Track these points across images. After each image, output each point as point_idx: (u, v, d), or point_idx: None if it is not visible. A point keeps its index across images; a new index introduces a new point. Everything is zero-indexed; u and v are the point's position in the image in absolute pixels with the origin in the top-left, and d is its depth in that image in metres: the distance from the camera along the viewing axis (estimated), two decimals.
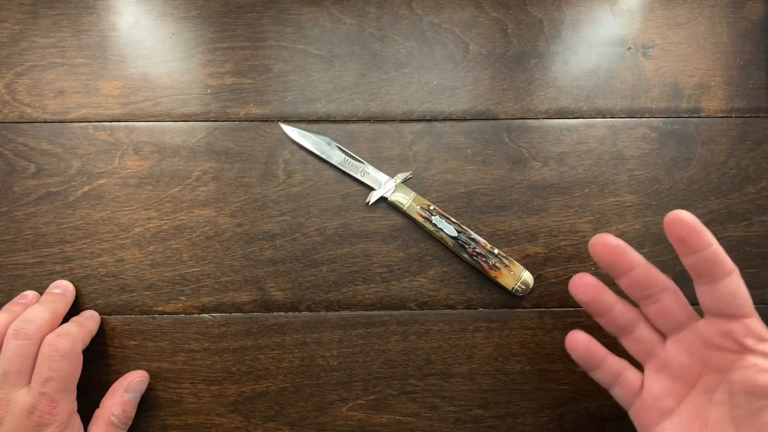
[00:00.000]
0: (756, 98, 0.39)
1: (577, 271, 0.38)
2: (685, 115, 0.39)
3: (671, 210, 0.38)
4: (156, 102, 0.39)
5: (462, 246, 0.36)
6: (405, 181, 0.38)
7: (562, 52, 0.40)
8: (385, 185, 0.37)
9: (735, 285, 0.28)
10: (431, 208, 0.37)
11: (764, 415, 0.27)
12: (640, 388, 0.32)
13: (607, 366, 0.33)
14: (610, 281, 0.32)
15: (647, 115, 0.39)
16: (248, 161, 0.38)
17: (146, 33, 0.39)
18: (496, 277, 0.36)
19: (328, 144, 0.37)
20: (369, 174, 0.38)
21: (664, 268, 0.38)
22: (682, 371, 0.30)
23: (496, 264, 0.36)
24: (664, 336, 0.32)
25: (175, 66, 0.39)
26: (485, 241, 0.37)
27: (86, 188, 0.38)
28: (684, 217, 0.28)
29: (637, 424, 0.31)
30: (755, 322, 0.29)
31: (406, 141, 0.39)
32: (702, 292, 0.30)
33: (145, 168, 0.38)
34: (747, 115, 0.39)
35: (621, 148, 0.39)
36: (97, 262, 0.38)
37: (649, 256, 0.38)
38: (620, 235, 0.38)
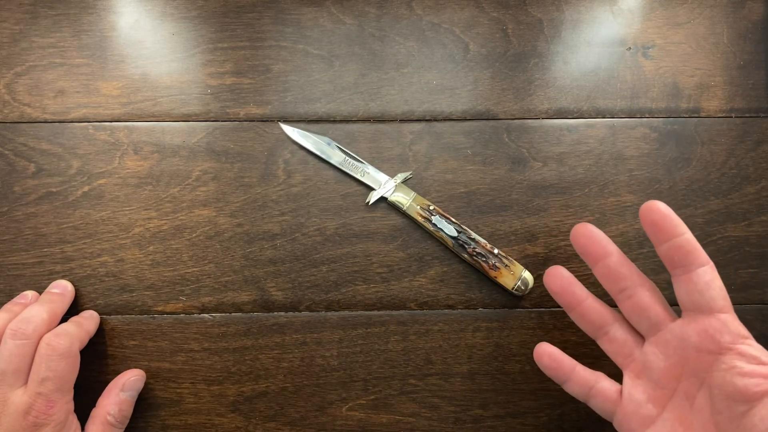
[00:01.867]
0: (756, 98, 0.39)
1: (577, 272, 0.38)
2: (685, 115, 0.39)
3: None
4: (156, 102, 0.39)
5: (462, 246, 0.36)
6: (405, 181, 0.38)
7: (562, 52, 0.40)
8: (385, 185, 0.37)
9: (710, 276, 0.29)
10: (431, 208, 0.37)
11: (747, 420, 0.26)
12: (619, 397, 0.31)
13: (578, 377, 0.32)
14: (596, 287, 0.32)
15: (647, 115, 0.39)
16: (248, 161, 0.38)
17: (146, 33, 0.39)
18: (496, 277, 0.36)
19: (328, 144, 0.37)
20: (369, 174, 0.37)
21: (661, 267, 0.38)
22: (662, 375, 0.30)
23: (496, 264, 0.36)
24: (642, 338, 0.32)
25: (175, 66, 0.39)
26: (485, 241, 0.37)
27: (86, 188, 0.38)
28: (658, 205, 0.29)
29: None
30: (731, 318, 0.28)
31: (406, 141, 0.39)
32: (678, 285, 0.30)
33: (145, 168, 0.38)
34: (747, 115, 0.39)
35: (621, 148, 0.39)
36: (97, 262, 0.38)
37: (649, 256, 0.38)
38: (620, 235, 0.38)
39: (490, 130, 0.39)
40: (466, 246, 0.36)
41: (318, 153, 0.38)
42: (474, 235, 0.37)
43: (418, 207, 0.37)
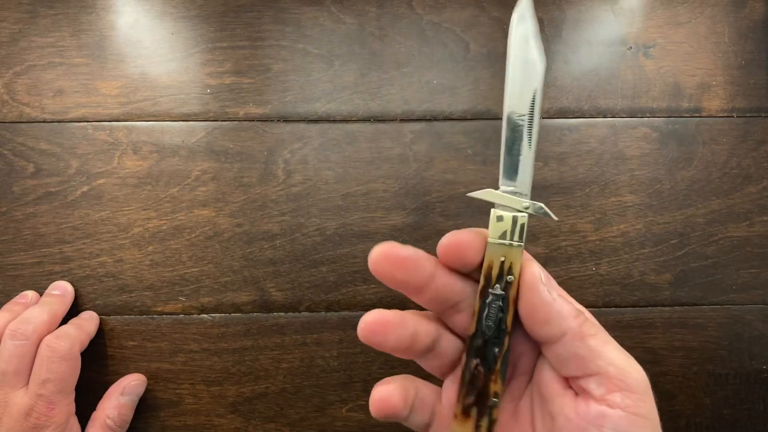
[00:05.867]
0: (757, 98, 0.39)
1: (578, 272, 0.38)
2: (687, 115, 0.39)
3: (672, 210, 0.39)
4: (155, 102, 0.38)
5: (481, 348, 0.23)
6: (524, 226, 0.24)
7: (563, 52, 0.39)
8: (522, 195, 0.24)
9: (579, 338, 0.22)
10: (509, 279, 0.23)
11: (556, 421, 0.22)
12: (438, 401, 0.25)
13: (418, 402, 0.24)
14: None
15: (648, 115, 0.39)
16: (248, 161, 0.38)
17: (145, 32, 0.39)
18: (455, 416, 0.24)
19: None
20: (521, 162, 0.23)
21: (664, 268, 0.38)
22: None
23: (469, 404, 0.24)
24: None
25: (174, 65, 0.39)
26: (499, 384, 0.24)
27: (85, 188, 0.38)
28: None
29: None
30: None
31: (406, 141, 0.39)
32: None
33: (145, 168, 0.38)
34: (748, 114, 0.39)
35: (622, 148, 0.39)
36: (96, 262, 0.37)
37: (650, 256, 0.38)
38: (621, 235, 0.38)
39: (490, 130, 0.39)
40: (487, 350, 0.23)
41: None
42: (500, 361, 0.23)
43: (502, 258, 0.23)
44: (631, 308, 0.38)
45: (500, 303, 0.23)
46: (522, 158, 0.23)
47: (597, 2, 0.40)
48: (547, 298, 0.22)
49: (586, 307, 0.38)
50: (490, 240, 0.22)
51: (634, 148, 0.39)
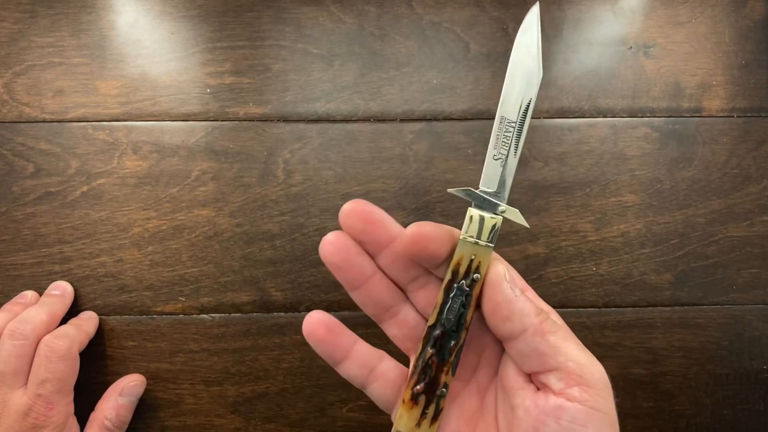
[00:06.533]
0: (758, 98, 0.39)
1: (579, 272, 0.38)
2: (687, 115, 0.39)
3: (673, 210, 0.39)
4: (155, 101, 0.38)
5: (439, 338, 0.24)
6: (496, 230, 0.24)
7: (563, 52, 0.39)
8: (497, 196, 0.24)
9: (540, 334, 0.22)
10: (476, 276, 0.23)
11: (515, 412, 0.23)
12: (404, 382, 0.25)
13: (358, 355, 0.25)
14: None
15: (648, 115, 0.39)
16: (247, 161, 0.38)
17: (145, 32, 0.39)
18: (403, 400, 0.25)
19: None
20: (504, 166, 0.24)
21: (664, 268, 0.38)
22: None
23: (419, 391, 0.24)
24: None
25: (174, 65, 0.39)
26: (449, 375, 0.24)
27: (85, 188, 0.38)
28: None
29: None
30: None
31: (406, 140, 0.39)
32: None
33: (144, 168, 0.38)
34: (749, 114, 0.39)
35: (622, 148, 0.39)
36: (96, 262, 0.37)
37: (650, 256, 0.38)
38: (621, 235, 0.38)
39: (490, 130, 0.39)
40: (444, 341, 0.24)
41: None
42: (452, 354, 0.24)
43: (472, 256, 0.23)
44: (631, 308, 0.38)
45: (463, 299, 0.23)
46: (506, 163, 0.24)
47: (597, 2, 0.40)
48: (510, 296, 0.22)
49: (587, 307, 0.38)
50: (462, 237, 0.23)
51: (634, 148, 0.39)
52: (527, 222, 0.23)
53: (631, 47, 0.40)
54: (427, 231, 0.23)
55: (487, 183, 0.24)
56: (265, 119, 0.39)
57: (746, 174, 0.39)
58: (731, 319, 0.38)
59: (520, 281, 0.24)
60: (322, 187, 0.38)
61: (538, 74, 0.23)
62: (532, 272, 0.37)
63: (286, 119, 0.39)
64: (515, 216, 0.24)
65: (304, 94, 0.39)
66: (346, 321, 0.37)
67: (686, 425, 0.38)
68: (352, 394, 0.37)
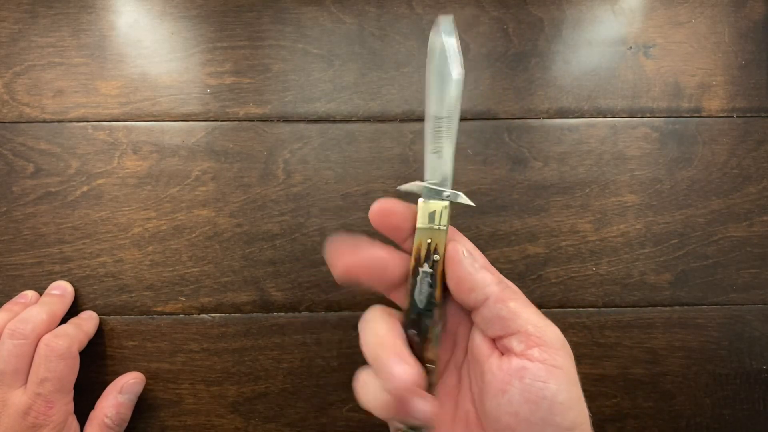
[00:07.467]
0: (757, 98, 0.39)
1: (578, 272, 0.38)
2: (687, 115, 0.39)
3: (672, 210, 0.39)
4: (155, 102, 0.38)
5: (415, 321, 0.26)
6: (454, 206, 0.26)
7: (563, 52, 0.39)
8: (441, 184, 0.26)
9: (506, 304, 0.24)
10: (436, 258, 0.26)
11: (485, 381, 0.24)
12: None
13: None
14: None
15: (648, 115, 0.39)
16: (248, 161, 0.38)
17: (145, 32, 0.39)
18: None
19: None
20: (442, 158, 0.26)
21: (664, 268, 0.38)
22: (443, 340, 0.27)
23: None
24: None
25: (174, 65, 0.39)
26: (435, 352, 0.26)
27: (85, 188, 0.38)
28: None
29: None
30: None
31: (406, 140, 0.39)
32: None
33: (144, 168, 0.38)
34: (748, 114, 0.39)
35: (622, 148, 0.39)
36: (96, 262, 0.37)
37: (650, 256, 0.38)
38: (621, 235, 0.38)
39: (490, 130, 0.39)
40: (420, 321, 0.26)
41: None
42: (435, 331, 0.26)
43: (428, 240, 0.25)
44: (631, 308, 0.38)
45: (429, 279, 0.25)
46: (442, 155, 0.26)
47: (597, 2, 0.40)
48: (469, 269, 0.25)
49: (586, 307, 0.38)
50: (418, 226, 0.26)
51: (634, 148, 0.39)
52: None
53: (631, 47, 0.40)
54: (389, 206, 0.26)
55: (432, 176, 0.26)
56: (265, 119, 0.39)
57: (746, 174, 0.39)
58: (731, 319, 0.38)
59: (478, 254, 0.26)
60: (322, 187, 0.38)
61: (451, 75, 0.25)
62: (531, 272, 0.37)
63: (286, 119, 0.39)
64: (460, 198, 0.26)
65: (304, 94, 0.39)
66: (346, 321, 0.38)
67: (686, 425, 0.38)
68: (352, 393, 0.37)
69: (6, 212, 0.38)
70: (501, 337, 0.24)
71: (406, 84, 0.39)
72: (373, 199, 0.38)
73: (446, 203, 0.26)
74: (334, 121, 0.39)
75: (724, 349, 0.38)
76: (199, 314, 0.38)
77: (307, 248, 0.38)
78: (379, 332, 0.25)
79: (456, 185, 0.38)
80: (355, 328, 0.38)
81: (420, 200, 0.26)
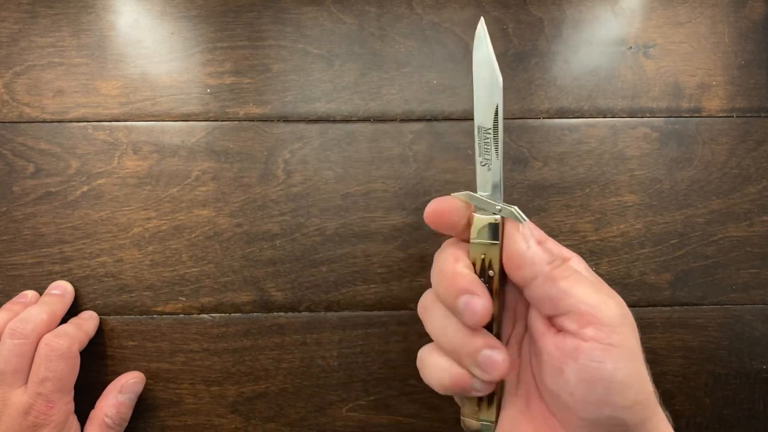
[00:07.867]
0: (757, 98, 0.39)
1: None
2: (686, 115, 0.39)
3: (672, 210, 0.39)
4: (155, 102, 0.38)
5: None
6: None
7: (563, 52, 0.39)
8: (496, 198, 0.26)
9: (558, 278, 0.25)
10: (490, 274, 0.26)
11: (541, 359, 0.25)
12: None
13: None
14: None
15: (648, 115, 0.39)
16: (248, 161, 0.38)
17: (145, 32, 0.39)
18: None
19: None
20: (492, 170, 0.26)
21: (664, 268, 0.38)
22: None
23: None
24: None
25: (174, 65, 0.39)
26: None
27: (85, 188, 0.38)
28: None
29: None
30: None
31: (406, 141, 0.39)
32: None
33: (145, 168, 0.38)
34: (748, 114, 0.39)
35: (622, 148, 0.39)
36: (96, 262, 0.37)
37: (650, 256, 0.38)
38: (621, 235, 0.38)
39: None
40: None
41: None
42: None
43: (482, 255, 0.26)
44: (631, 308, 0.38)
45: None
46: (492, 167, 0.26)
47: (597, 2, 0.40)
48: (521, 247, 0.25)
49: None
50: (472, 240, 0.26)
51: (634, 148, 0.39)
52: (528, 220, 0.26)
53: (630, 47, 0.40)
54: (443, 206, 0.26)
55: (482, 187, 0.26)
56: (265, 119, 0.39)
57: (746, 174, 0.39)
58: (731, 319, 0.38)
59: (538, 233, 0.26)
60: (322, 187, 0.38)
61: (498, 82, 0.25)
62: None
63: (286, 119, 0.39)
64: (511, 214, 0.25)
65: (304, 94, 0.39)
66: (346, 321, 0.38)
67: (686, 425, 0.38)
68: (352, 393, 0.37)
69: (6, 212, 0.38)
70: (553, 317, 0.24)
71: (406, 84, 0.39)
72: (373, 199, 0.38)
73: (499, 218, 0.26)
74: (334, 121, 0.39)
75: (724, 349, 0.38)
76: (199, 314, 0.38)
77: (307, 248, 0.38)
78: (459, 256, 0.26)
79: (456, 185, 0.38)
80: (355, 328, 0.38)
81: (475, 214, 0.26)
